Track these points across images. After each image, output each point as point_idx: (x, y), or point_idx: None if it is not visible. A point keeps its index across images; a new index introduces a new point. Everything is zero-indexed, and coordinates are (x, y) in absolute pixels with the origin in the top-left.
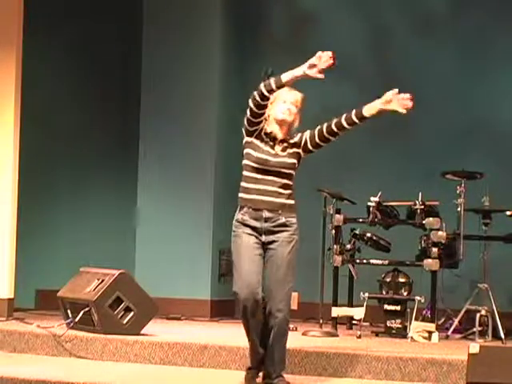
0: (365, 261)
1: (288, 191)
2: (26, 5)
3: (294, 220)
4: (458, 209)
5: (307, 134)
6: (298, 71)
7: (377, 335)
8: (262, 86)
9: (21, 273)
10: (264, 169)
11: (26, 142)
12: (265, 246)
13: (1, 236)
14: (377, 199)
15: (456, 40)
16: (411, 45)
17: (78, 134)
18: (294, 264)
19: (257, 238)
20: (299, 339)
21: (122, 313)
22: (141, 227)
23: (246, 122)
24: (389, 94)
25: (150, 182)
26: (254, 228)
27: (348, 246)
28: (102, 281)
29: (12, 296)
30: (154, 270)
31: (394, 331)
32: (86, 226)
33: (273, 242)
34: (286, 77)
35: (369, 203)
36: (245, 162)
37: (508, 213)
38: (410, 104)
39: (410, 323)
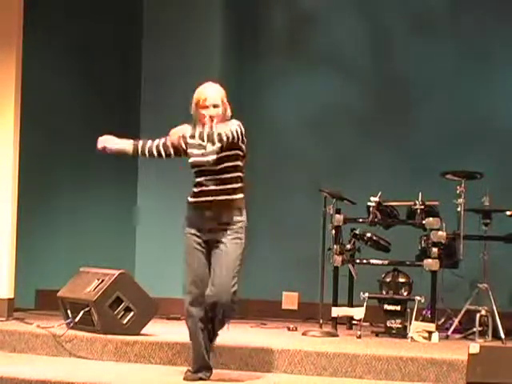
0: (365, 261)
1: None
2: (25, 5)
3: None
4: (458, 209)
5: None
6: None
7: (377, 335)
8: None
9: (21, 273)
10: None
11: (26, 142)
12: None
13: (1, 236)
14: (377, 199)
15: (456, 40)
16: (411, 45)
17: (78, 134)
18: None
19: None
20: (299, 339)
21: (122, 313)
22: (141, 227)
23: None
24: None
25: (149, 182)
26: None
27: (348, 246)
28: (102, 281)
29: (12, 296)
30: (154, 270)
31: (394, 331)
32: (86, 226)
33: None
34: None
35: (369, 203)
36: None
37: (508, 213)
38: None
39: (410, 323)
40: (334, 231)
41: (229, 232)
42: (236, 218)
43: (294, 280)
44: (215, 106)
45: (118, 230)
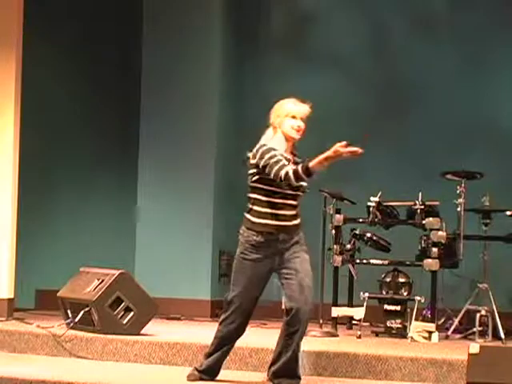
0: (365, 261)
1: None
2: (25, 5)
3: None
4: (458, 209)
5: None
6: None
7: (377, 335)
8: (291, 175)
9: (21, 273)
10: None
11: (26, 142)
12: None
13: (1, 236)
14: (377, 199)
15: (456, 40)
16: (411, 45)
17: (78, 134)
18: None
19: None
20: None
21: (122, 313)
22: (141, 227)
23: (271, 176)
24: (337, 147)
25: (149, 182)
26: None
27: (348, 246)
28: (102, 281)
29: (12, 296)
30: (154, 270)
31: (394, 331)
32: (86, 226)
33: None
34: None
35: (369, 203)
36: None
37: (508, 213)
38: (359, 151)
39: (410, 323)
40: (333, 231)
41: None
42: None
43: None
44: (302, 120)
45: (118, 230)
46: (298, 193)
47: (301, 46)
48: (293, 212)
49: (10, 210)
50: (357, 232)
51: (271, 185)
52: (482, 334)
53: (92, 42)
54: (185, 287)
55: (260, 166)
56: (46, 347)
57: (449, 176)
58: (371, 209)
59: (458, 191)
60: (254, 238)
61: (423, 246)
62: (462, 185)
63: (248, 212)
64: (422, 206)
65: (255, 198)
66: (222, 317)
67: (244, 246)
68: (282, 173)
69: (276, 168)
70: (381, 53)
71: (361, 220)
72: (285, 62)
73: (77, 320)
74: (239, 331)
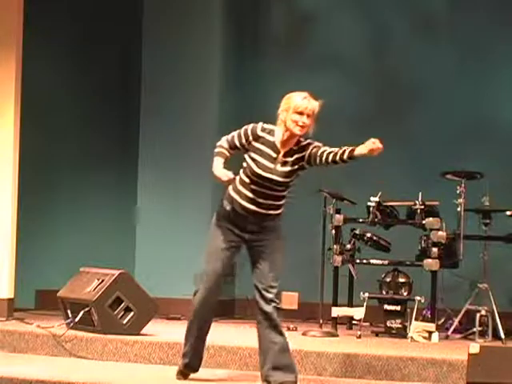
0: (365, 261)
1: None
2: (25, 5)
3: None
4: (458, 209)
5: (314, 151)
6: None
7: (377, 335)
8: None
9: (21, 273)
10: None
11: (26, 142)
12: None
13: (1, 236)
14: (377, 199)
15: (456, 40)
16: (411, 45)
17: (78, 134)
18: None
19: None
20: (299, 339)
21: (122, 313)
22: (141, 227)
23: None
24: (370, 143)
25: (149, 182)
26: None
27: (348, 246)
28: (102, 281)
29: (12, 296)
30: (154, 269)
31: (394, 331)
32: (86, 226)
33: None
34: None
35: (369, 203)
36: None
37: (508, 213)
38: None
39: (410, 323)
40: (334, 231)
41: None
42: None
43: (294, 280)
44: (308, 116)
45: (118, 230)
46: (273, 186)
47: (301, 45)
48: (273, 202)
49: (10, 210)
50: (357, 232)
51: (249, 169)
52: (482, 334)
53: (92, 41)
54: (185, 287)
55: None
56: (46, 347)
57: (449, 176)
58: (371, 209)
59: (458, 191)
60: (227, 208)
61: (423, 245)
62: (462, 185)
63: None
64: (422, 206)
65: (240, 176)
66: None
67: (217, 213)
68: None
69: (224, 138)
70: (381, 53)
71: (361, 220)
72: (285, 62)
73: (77, 320)
74: (204, 305)
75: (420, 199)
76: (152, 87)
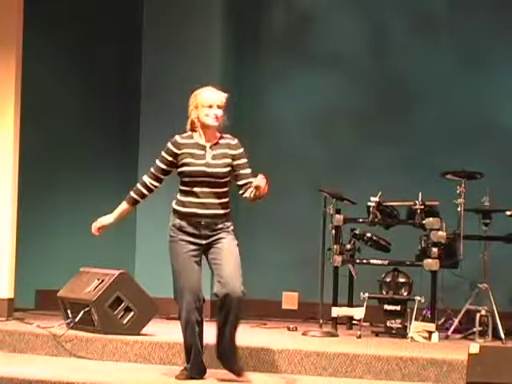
0: (365, 261)
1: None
2: (25, 5)
3: None
4: (458, 209)
5: (240, 167)
6: None
7: (377, 335)
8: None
9: (21, 273)
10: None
11: (26, 142)
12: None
13: (1, 236)
14: (377, 199)
15: (456, 40)
16: (411, 45)
17: (78, 134)
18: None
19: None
20: (299, 339)
21: (122, 313)
22: (141, 227)
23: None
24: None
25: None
26: None
27: (348, 246)
28: (102, 281)
29: (12, 296)
30: (154, 269)
31: (394, 331)
32: (86, 226)
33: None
34: None
35: (369, 203)
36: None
37: (508, 213)
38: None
39: (410, 323)
40: (334, 231)
41: None
42: None
43: (294, 280)
44: (219, 107)
45: (118, 230)
46: (216, 180)
47: (301, 45)
48: (216, 200)
49: (10, 209)
50: (357, 232)
51: (185, 176)
52: (482, 334)
53: (92, 41)
54: None
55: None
56: (46, 347)
57: (449, 176)
58: (371, 209)
59: (458, 191)
60: (178, 221)
61: (423, 245)
62: (462, 185)
63: (174, 200)
64: (422, 206)
65: (179, 187)
66: None
67: (171, 229)
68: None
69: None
70: (381, 53)
71: (361, 220)
72: (285, 62)
73: (77, 320)
74: (190, 318)
75: (420, 199)
76: (152, 87)
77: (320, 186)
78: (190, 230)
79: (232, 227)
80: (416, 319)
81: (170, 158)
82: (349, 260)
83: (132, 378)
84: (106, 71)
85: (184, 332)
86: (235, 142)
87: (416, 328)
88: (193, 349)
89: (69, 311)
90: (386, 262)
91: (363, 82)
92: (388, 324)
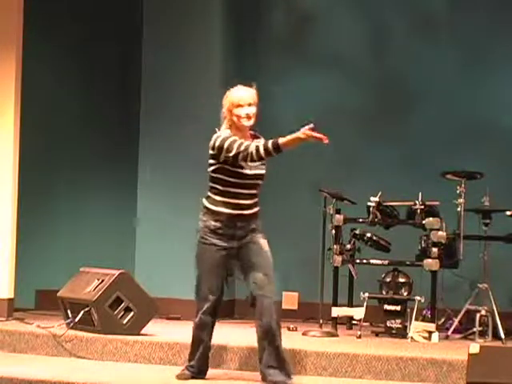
0: (365, 261)
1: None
2: (25, 5)
3: None
4: (458, 209)
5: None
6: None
7: (377, 335)
8: (262, 151)
9: (21, 273)
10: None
11: (26, 142)
12: None
13: (1, 236)
14: (377, 199)
15: (456, 40)
16: (411, 45)
17: (78, 134)
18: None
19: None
20: (299, 339)
21: (122, 313)
22: (141, 227)
23: (230, 158)
24: (305, 130)
25: (149, 182)
26: None
27: (348, 246)
28: (102, 281)
29: (12, 296)
30: (154, 269)
31: (394, 331)
32: (85, 226)
33: None
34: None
35: (369, 203)
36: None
37: (508, 213)
38: (325, 139)
39: (410, 323)
40: (334, 231)
41: None
42: None
43: (294, 280)
44: (250, 105)
45: (118, 230)
46: (258, 182)
47: (301, 45)
48: (250, 201)
49: (10, 210)
50: (357, 232)
51: (230, 175)
52: (482, 334)
53: (92, 41)
54: (184, 287)
55: (215, 148)
56: (46, 347)
57: (449, 176)
58: (371, 209)
59: (458, 191)
60: (213, 223)
61: (423, 245)
62: (462, 185)
63: (206, 199)
64: (422, 206)
65: (213, 187)
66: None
67: (203, 230)
68: (245, 146)
69: (236, 145)
70: (381, 53)
71: (361, 220)
72: (285, 62)
73: (77, 320)
74: (207, 320)
75: (420, 199)
76: (152, 87)
77: (320, 186)
78: (225, 231)
79: (261, 227)
80: (416, 319)
81: None
82: (349, 260)
83: (132, 378)
84: (106, 71)
85: (197, 330)
86: (263, 140)
87: (416, 328)
88: (202, 345)
89: (69, 311)
90: (386, 262)
91: (363, 82)
92: (388, 324)
